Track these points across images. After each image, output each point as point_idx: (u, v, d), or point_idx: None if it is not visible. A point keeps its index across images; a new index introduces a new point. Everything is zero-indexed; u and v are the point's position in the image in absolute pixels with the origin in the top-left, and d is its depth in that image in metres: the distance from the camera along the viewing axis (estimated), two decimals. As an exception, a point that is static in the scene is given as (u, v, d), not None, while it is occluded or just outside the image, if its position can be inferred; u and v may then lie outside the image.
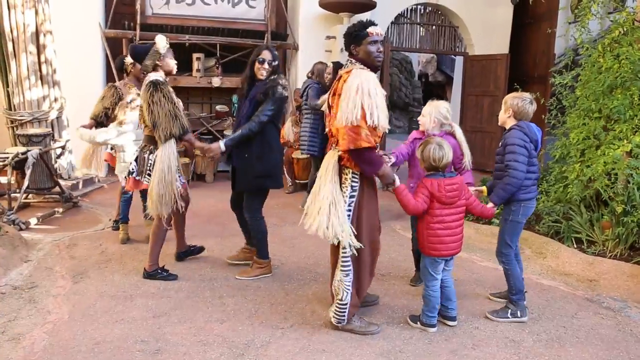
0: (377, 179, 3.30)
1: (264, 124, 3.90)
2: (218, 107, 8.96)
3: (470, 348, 3.15)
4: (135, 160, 4.13)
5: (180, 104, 4.13)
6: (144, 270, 4.09)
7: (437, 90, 23.17)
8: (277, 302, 3.74)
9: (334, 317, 3.26)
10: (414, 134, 4.03)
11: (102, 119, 5.05)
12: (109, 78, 8.13)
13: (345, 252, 3.16)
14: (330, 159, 3.20)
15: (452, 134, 3.91)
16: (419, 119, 4.01)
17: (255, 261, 4.22)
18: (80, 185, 6.98)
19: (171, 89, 3.97)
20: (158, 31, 8.13)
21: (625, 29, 4.78)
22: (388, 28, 9.77)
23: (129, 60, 5.24)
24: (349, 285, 3.20)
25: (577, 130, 4.96)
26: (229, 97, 9.08)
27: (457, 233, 3.29)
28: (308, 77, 6.61)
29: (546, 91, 8.50)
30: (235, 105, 9.22)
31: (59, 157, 6.66)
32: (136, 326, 3.29)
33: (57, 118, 6.84)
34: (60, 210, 5.96)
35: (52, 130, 6.69)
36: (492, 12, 10.12)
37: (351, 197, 3.16)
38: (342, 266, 3.19)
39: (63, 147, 6.65)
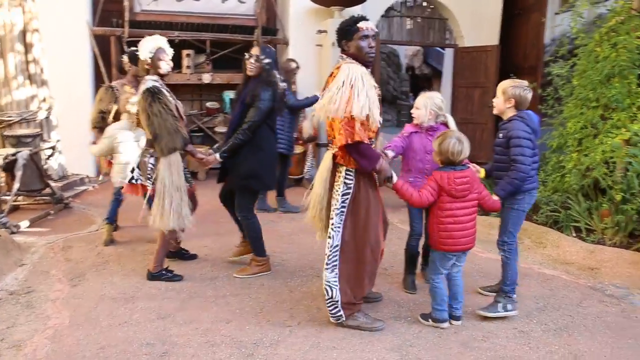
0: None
1: (253, 130, 3.91)
2: (209, 104, 8.86)
3: (480, 340, 3.13)
4: (138, 166, 4.03)
5: (179, 106, 4.03)
6: (147, 272, 4.02)
7: (424, 83, 23.23)
8: (282, 299, 3.69)
9: (330, 316, 3.23)
10: (409, 127, 3.97)
11: (100, 124, 4.97)
12: (97, 76, 8.01)
13: (331, 249, 3.14)
14: (326, 159, 3.23)
15: (446, 125, 3.88)
16: (412, 111, 3.94)
17: (253, 259, 4.17)
18: (71, 186, 6.85)
19: (167, 93, 3.87)
20: (147, 28, 8.01)
21: (622, 18, 4.77)
22: (378, 21, 9.73)
23: (126, 58, 5.15)
24: (335, 282, 3.15)
25: (574, 120, 4.97)
26: (219, 94, 8.99)
27: (469, 228, 3.22)
28: None
29: (537, 82, 8.52)
30: (226, 102, 9.16)
31: (49, 158, 6.54)
32: (141, 329, 3.22)
33: (46, 118, 6.71)
34: (52, 212, 5.85)
35: (41, 130, 6.56)
36: (481, 3, 10.11)
37: (344, 194, 3.13)
38: (326, 263, 3.17)
39: (53, 148, 6.53)
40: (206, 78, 8.37)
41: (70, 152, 7.39)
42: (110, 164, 5.06)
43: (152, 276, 4.00)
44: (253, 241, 4.11)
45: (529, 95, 3.46)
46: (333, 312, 3.21)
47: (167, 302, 3.62)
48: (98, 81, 8.01)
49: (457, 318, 3.36)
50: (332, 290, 3.16)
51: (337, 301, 3.17)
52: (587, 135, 4.92)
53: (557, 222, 4.94)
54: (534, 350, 3.03)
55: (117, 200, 4.97)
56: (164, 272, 4.03)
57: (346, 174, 3.13)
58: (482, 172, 3.59)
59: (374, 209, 3.20)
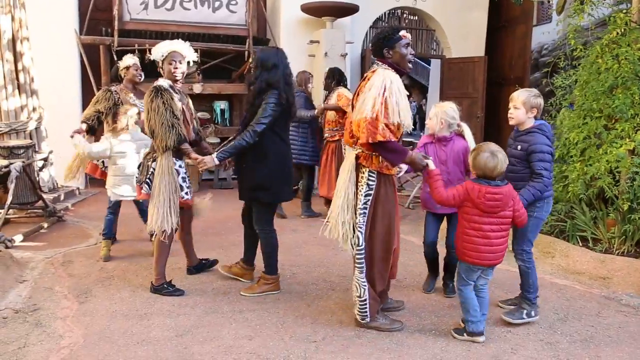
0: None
1: (260, 134, 3.69)
2: (199, 114, 8.69)
3: (510, 353, 3.10)
4: (139, 167, 3.94)
5: (190, 111, 3.97)
6: (151, 284, 3.92)
7: (403, 93, 23.43)
8: (301, 314, 3.60)
9: (357, 314, 3.35)
10: (424, 138, 3.97)
11: (94, 123, 4.79)
12: (86, 85, 7.81)
13: (359, 250, 3.25)
14: (348, 159, 3.31)
15: (462, 135, 3.87)
16: (426, 122, 3.99)
17: (262, 276, 3.99)
18: (62, 198, 6.64)
19: (176, 95, 3.83)
20: (137, 37, 7.89)
21: (622, 30, 4.86)
22: (367, 33, 9.77)
23: (122, 64, 5.06)
24: (364, 281, 3.28)
25: (577, 130, 5.02)
26: (210, 104, 8.88)
27: (496, 244, 3.13)
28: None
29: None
30: (217, 112, 9.06)
31: (41, 169, 6.33)
32: (161, 347, 3.09)
33: (36, 129, 6.50)
34: (45, 225, 5.65)
35: (33, 141, 6.34)
36: (467, 15, 10.26)
37: (367, 195, 3.23)
38: (357, 263, 3.29)
39: (45, 160, 6.32)
40: (197, 88, 8.25)
41: (59, 163, 7.19)
42: (103, 173, 4.91)
43: (155, 289, 3.92)
44: (267, 257, 3.94)
45: (543, 102, 3.54)
46: (362, 310, 3.31)
47: (183, 318, 3.50)
48: (86, 91, 7.84)
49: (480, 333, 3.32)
50: (361, 289, 3.29)
51: (366, 299, 3.29)
52: (590, 145, 4.97)
53: (563, 231, 4.97)
54: (565, 362, 3.01)
55: (112, 214, 4.81)
56: (165, 285, 3.92)
57: (369, 175, 3.23)
58: None
59: (391, 210, 3.31)
